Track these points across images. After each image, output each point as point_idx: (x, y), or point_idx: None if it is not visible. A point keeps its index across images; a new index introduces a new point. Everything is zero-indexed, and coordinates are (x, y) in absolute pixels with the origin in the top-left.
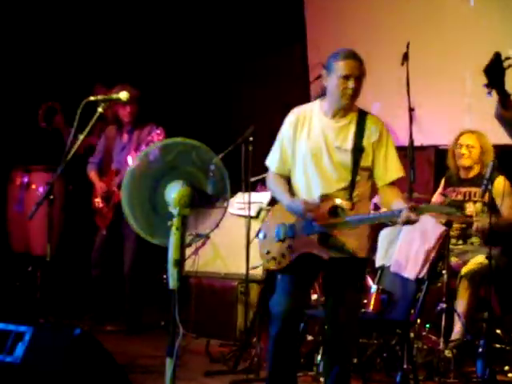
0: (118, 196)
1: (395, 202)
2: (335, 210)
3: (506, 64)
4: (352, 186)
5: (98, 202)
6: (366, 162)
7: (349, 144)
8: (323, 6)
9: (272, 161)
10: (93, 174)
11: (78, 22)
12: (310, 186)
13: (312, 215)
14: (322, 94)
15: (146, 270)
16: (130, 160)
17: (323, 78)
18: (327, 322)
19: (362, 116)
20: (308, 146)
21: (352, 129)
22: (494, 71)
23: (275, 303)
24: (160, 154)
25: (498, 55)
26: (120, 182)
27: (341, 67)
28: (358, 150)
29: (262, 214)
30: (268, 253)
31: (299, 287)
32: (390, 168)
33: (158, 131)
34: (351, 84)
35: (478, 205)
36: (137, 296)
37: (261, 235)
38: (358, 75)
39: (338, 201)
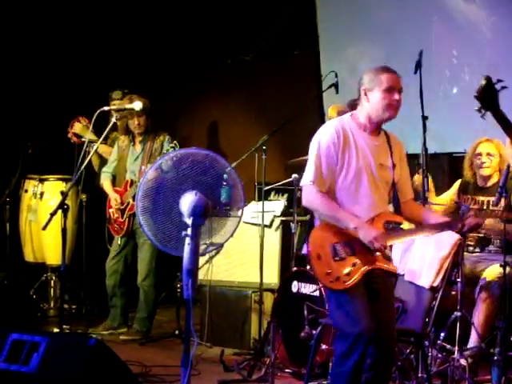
0: (133, 207)
1: (425, 213)
2: (390, 226)
3: (498, 86)
4: (396, 201)
5: (113, 212)
6: (397, 178)
7: (388, 161)
8: (335, 14)
9: (317, 178)
10: (106, 185)
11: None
12: (359, 202)
13: (378, 244)
14: (352, 108)
15: (160, 279)
16: (143, 170)
17: (361, 94)
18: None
19: (386, 133)
20: (359, 163)
21: (386, 145)
22: (486, 95)
23: (349, 324)
24: (173, 165)
25: (489, 79)
26: (135, 194)
27: (385, 80)
28: (393, 167)
29: (276, 222)
30: (329, 273)
31: (367, 303)
32: (410, 184)
33: (173, 144)
34: (396, 96)
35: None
36: (150, 305)
37: (311, 255)
38: (400, 88)
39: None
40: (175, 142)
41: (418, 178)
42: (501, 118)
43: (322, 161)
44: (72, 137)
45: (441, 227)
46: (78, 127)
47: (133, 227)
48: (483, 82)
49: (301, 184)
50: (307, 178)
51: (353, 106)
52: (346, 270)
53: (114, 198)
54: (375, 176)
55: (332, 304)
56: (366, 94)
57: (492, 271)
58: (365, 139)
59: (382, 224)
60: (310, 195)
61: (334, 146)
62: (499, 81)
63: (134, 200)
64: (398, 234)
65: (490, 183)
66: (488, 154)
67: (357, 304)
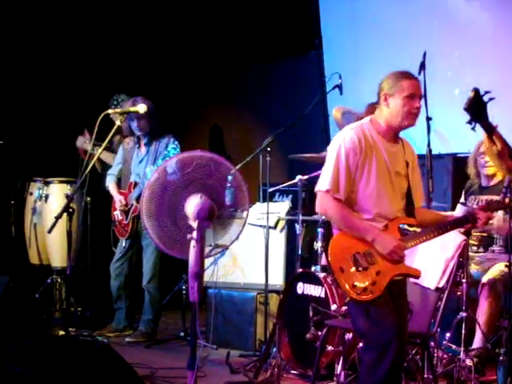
0: (136, 209)
1: (437, 215)
2: (405, 230)
3: (486, 98)
4: (410, 206)
5: (117, 214)
6: (411, 185)
7: (404, 169)
8: (339, 14)
9: (335, 186)
10: (111, 187)
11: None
12: (379, 210)
13: (396, 256)
14: (371, 112)
15: (165, 281)
16: (148, 173)
17: (381, 99)
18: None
19: (402, 140)
20: (379, 170)
21: (402, 153)
22: (475, 107)
23: (377, 332)
24: (178, 168)
25: (477, 90)
26: (139, 195)
27: (406, 87)
28: (407, 175)
29: (281, 223)
30: (355, 286)
31: (393, 309)
32: (421, 191)
33: (174, 145)
34: (417, 103)
35: (500, 212)
36: (155, 307)
37: (334, 269)
38: (421, 94)
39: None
40: (176, 142)
41: None
42: (489, 130)
43: (340, 168)
44: (81, 153)
45: (455, 224)
46: (80, 141)
47: (137, 229)
48: (471, 94)
49: (316, 189)
50: (323, 185)
51: (372, 109)
52: (371, 280)
53: (118, 200)
54: (393, 183)
55: (357, 314)
56: (386, 100)
57: (495, 270)
58: (384, 146)
59: (396, 229)
60: (325, 203)
61: (355, 154)
62: (487, 92)
63: (137, 202)
64: (415, 237)
65: (493, 182)
66: None
67: (384, 312)
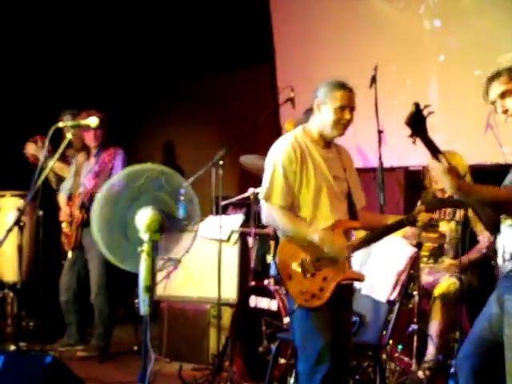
0: (79, 219)
1: (379, 217)
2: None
3: (425, 112)
4: (353, 209)
5: (64, 226)
6: (350, 188)
7: (342, 172)
8: (291, 27)
9: (276, 196)
10: (60, 199)
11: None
12: (320, 216)
13: (343, 256)
14: (306, 120)
15: (115, 294)
16: (87, 183)
17: (314, 107)
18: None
19: (336, 146)
20: (317, 176)
21: (338, 159)
22: (415, 121)
23: (313, 343)
24: (127, 181)
25: (417, 105)
26: (81, 204)
27: (338, 97)
28: (346, 178)
29: (234, 236)
30: (303, 292)
31: (342, 318)
32: (362, 192)
33: (121, 157)
34: (347, 115)
35: (452, 223)
36: (106, 321)
37: (283, 276)
38: (353, 106)
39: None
40: (122, 154)
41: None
42: (429, 144)
43: (279, 177)
44: (30, 157)
45: (397, 226)
46: (31, 148)
47: (81, 240)
48: (412, 109)
49: (260, 201)
50: (265, 197)
51: (308, 115)
52: (319, 286)
53: (63, 210)
54: (333, 189)
55: (298, 325)
56: (318, 108)
57: (446, 283)
58: (319, 152)
59: (342, 232)
60: (269, 214)
61: (291, 162)
62: (426, 106)
63: (80, 212)
64: (360, 241)
65: (446, 195)
66: None
67: (323, 323)
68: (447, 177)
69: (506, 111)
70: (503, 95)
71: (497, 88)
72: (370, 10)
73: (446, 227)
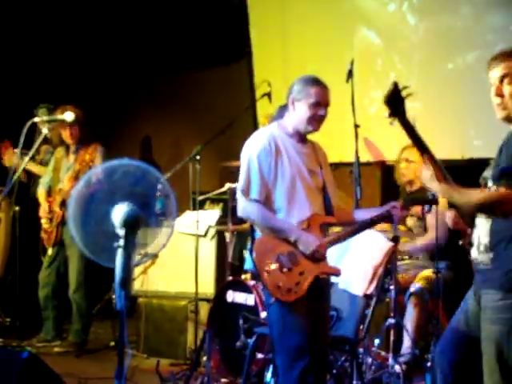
0: (60, 216)
1: (355, 213)
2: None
3: (404, 93)
4: (328, 205)
5: (44, 222)
6: (326, 183)
7: (317, 167)
8: (268, 23)
9: (252, 190)
10: (40, 195)
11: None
12: (295, 210)
13: (319, 255)
14: (280, 116)
15: (93, 290)
16: (67, 183)
17: (289, 102)
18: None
19: (311, 142)
20: (292, 170)
21: (313, 154)
22: (393, 101)
23: (291, 338)
24: (104, 176)
25: (395, 85)
26: (62, 201)
27: (313, 94)
28: (321, 173)
29: (211, 232)
30: (280, 287)
31: (320, 312)
32: (335, 190)
33: (101, 153)
34: (321, 111)
35: (413, 220)
36: (84, 317)
37: (259, 271)
38: (327, 103)
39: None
40: (102, 150)
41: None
42: (407, 126)
43: (254, 171)
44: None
45: (373, 222)
46: (7, 156)
47: (62, 237)
48: (390, 87)
49: (236, 195)
50: (241, 190)
51: (283, 111)
52: (295, 280)
53: (43, 206)
54: (308, 182)
55: (275, 320)
56: (293, 104)
57: (422, 278)
58: (294, 147)
59: (318, 227)
60: (245, 207)
61: (267, 156)
62: (405, 87)
63: (60, 209)
64: (336, 237)
65: (413, 188)
66: (407, 160)
67: (300, 318)
68: (434, 183)
69: (500, 95)
70: (502, 78)
71: (497, 70)
72: (352, 5)
73: (410, 222)
